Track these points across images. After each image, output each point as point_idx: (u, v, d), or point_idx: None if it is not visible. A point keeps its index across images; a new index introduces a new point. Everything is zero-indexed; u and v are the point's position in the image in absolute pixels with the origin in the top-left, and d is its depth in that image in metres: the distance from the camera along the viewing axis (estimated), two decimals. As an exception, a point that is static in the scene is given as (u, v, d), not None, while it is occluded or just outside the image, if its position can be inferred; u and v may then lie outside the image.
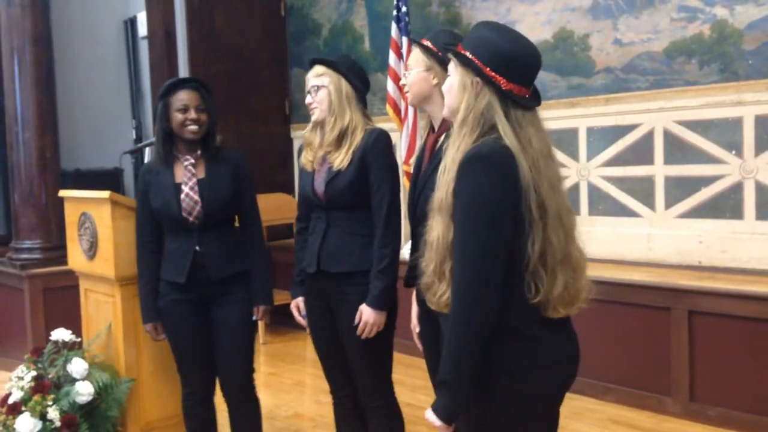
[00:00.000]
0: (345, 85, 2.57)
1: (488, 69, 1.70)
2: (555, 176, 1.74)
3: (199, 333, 2.81)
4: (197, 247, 2.74)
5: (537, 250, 1.67)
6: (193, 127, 2.73)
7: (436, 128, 2.39)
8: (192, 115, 2.73)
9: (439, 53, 2.30)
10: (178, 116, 2.73)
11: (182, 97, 2.73)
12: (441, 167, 1.75)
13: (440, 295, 1.72)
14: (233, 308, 2.80)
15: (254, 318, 2.83)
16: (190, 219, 2.73)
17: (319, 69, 2.60)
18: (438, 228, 1.72)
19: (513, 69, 1.72)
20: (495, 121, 1.70)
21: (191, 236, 2.75)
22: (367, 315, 2.49)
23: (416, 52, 2.41)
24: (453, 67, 1.79)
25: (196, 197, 2.72)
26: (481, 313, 1.63)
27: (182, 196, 2.73)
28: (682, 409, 3.62)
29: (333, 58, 2.65)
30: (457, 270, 1.66)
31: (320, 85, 2.57)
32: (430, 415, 1.70)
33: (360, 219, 2.55)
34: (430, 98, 2.39)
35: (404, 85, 2.47)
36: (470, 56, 1.72)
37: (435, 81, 2.34)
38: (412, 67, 2.41)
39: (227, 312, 2.79)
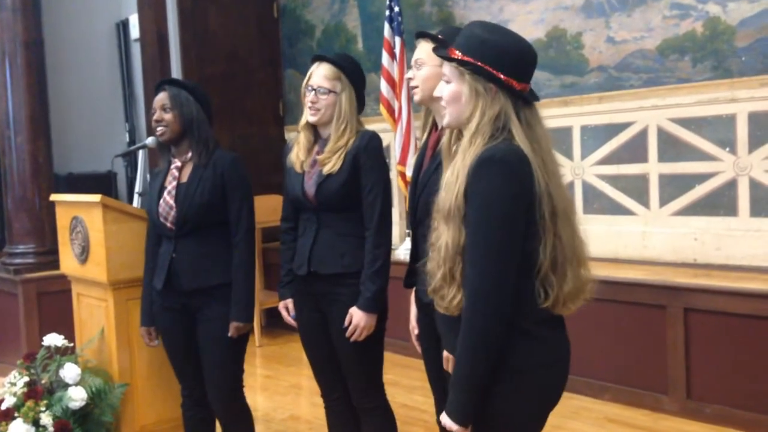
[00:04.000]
0: (354, 96, 2.54)
1: (501, 74, 1.68)
2: (558, 170, 1.75)
3: (187, 339, 2.75)
4: (174, 254, 2.69)
5: (549, 254, 1.67)
6: (159, 129, 2.71)
7: (440, 126, 2.30)
8: (156, 116, 2.71)
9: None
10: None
11: (155, 100, 2.73)
12: (450, 172, 1.71)
13: (451, 298, 1.70)
14: (211, 324, 2.68)
15: (228, 335, 2.66)
16: (167, 224, 2.69)
17: (332, 71, 2.51)
18: (447, 233, 1.70)
19: (520, 68, 1.71)
20: (509, 125, 1.69)
21: (170, 242, 2.71)
22: (357, 318, 2.46)
23: (428, 46, 2.26)
24: (454, 74, 1.74)
25: (172, 202, 2.68)
26: (495, 314, 1.63)
27: (161, 200, 2.71)
28: (678, 406, 3.61)
29: (335, 58, 2.55)
30: (472, 272, 1.65)
31: (331, 90, 2.50)
32: (446, 419, 1.69)
33: (351, 220, 2.52)
34: None
35: (410, 79, 2.33)
36: (480, 63, 1.69)
37: None
38: (426, 62, 2.27)
39: (206, 327, 2.70)
